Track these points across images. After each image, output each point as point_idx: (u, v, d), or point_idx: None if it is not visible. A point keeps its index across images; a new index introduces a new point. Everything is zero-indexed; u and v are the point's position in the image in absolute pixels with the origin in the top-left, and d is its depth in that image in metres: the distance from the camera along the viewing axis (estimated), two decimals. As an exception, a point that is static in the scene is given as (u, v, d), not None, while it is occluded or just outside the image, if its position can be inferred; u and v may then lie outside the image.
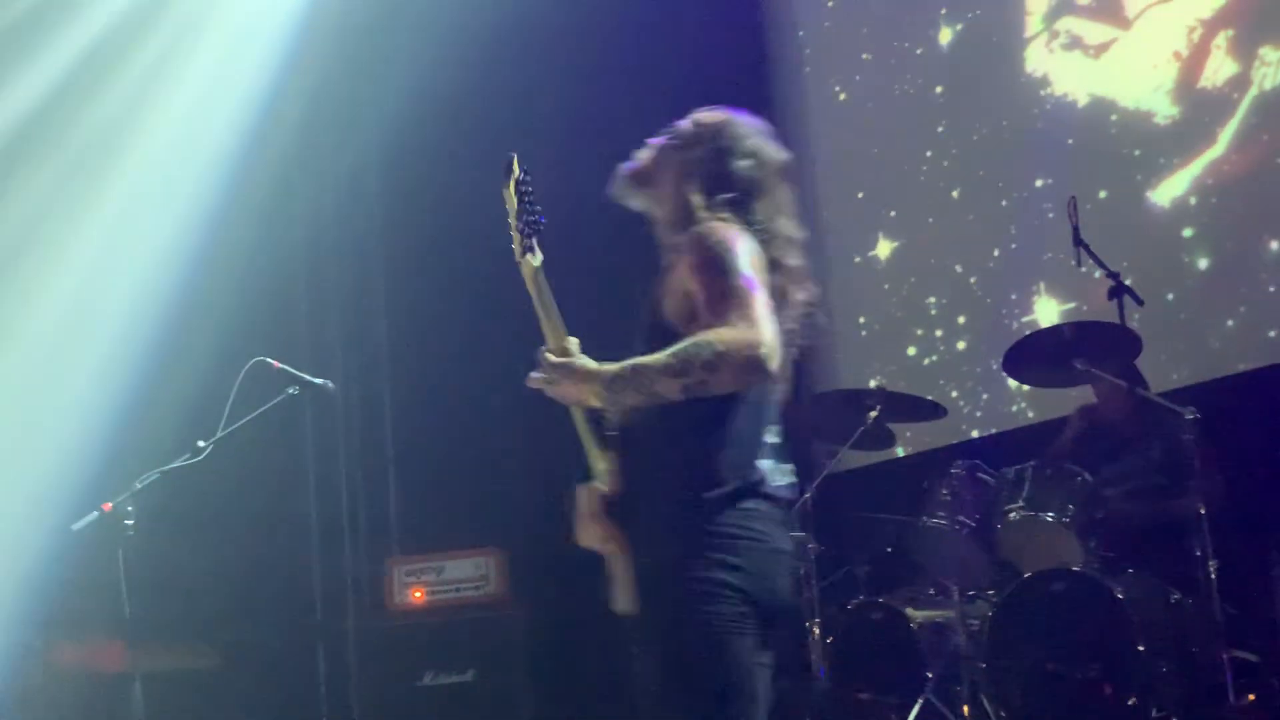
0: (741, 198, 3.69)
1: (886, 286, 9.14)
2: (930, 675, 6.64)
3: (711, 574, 3.43)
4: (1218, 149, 7.81)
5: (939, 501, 6.95)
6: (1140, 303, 6.88)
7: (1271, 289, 7.56)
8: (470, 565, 8.31)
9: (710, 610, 3.43)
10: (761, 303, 3.34)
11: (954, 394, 8.59)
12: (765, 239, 3.63)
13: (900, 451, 8.42)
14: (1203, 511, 6.28)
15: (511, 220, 3.73)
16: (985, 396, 8.58)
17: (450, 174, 8.85)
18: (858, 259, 9.27)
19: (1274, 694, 6.28)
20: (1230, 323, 7.68)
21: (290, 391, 5.85)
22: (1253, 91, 7.69)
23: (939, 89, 9.01)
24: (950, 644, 6.71)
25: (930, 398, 7.64)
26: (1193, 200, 7.87)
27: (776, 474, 3.50)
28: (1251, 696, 6.19)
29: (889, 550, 7.31)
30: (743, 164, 3.78)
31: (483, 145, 8.72)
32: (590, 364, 3.61)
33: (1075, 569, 6.44)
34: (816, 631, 7.02)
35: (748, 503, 3.43)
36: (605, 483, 3.64)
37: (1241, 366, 7.56)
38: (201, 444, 5.61)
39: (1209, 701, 6.16)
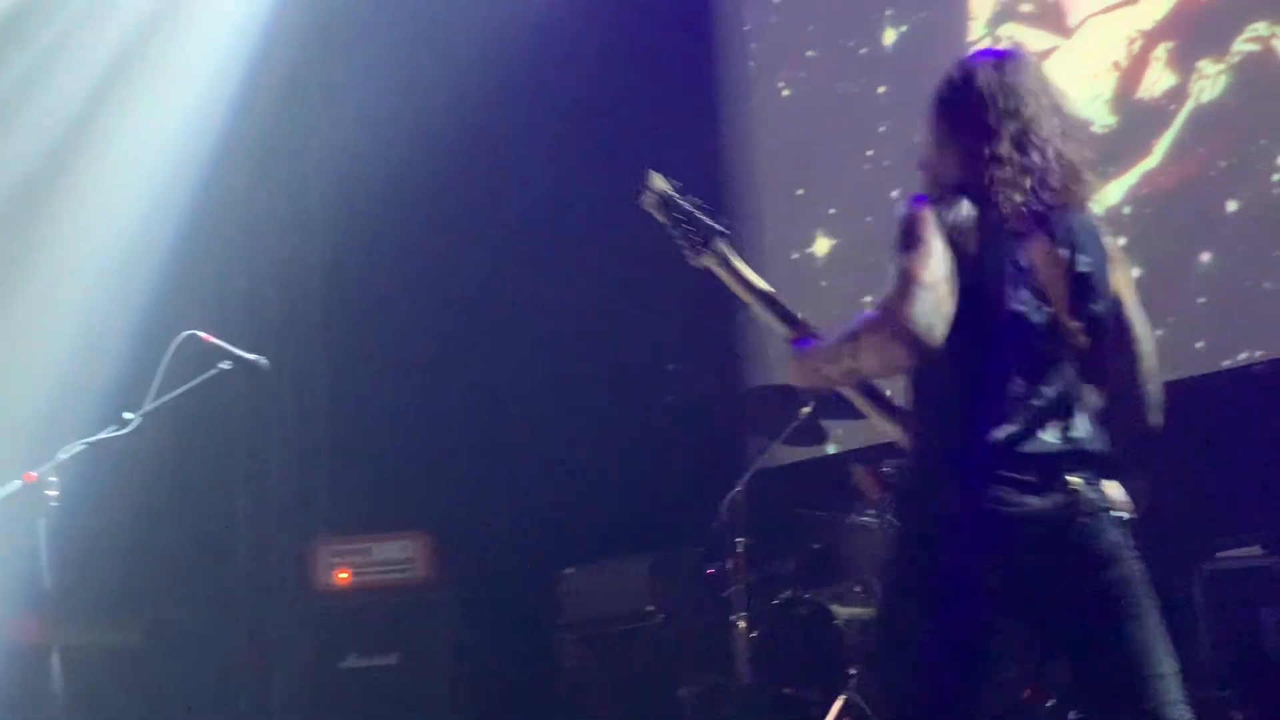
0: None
1: (824, 284, 9.16)
2: (853, 672, 6.66)
3: None
4: (1153, 160, 7.88)
5: (868, 499, 6.98)
6: (1074, 308, 6.91)
7: (1201, 300, 7.64)
8: (397, 547, 8.29)
9: None
10: (911, 274, 3.30)
11: (888, 393, 8.58)
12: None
13: (832, 448, 8.44)
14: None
15: (673, 231, 3.90)
16: (916, 396, 8.60)
17: (392, 154, 8.81)
18: (795, 255, 9.29)
19: (1190, 699, 6.33)
20: (1160, 332, 7.68)
21: (223, 366, 5.79)
22: (1190, 104, 7.76)
23: (882, 89, 9.04)
24: (874, 641, 6.73)
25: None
26: (1127, 210, 7.93)
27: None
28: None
29: (817, 547, 7.33)
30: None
31: (425, 128, 8.72)
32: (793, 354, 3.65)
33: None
34: (742, 626, 7.03)
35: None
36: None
37: (1169, 376, 7.59)
38: (128, 416, 5.54)
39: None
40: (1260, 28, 7.50)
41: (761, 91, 9.63)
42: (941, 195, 3.56)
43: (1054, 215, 3.52)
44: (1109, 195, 7.96)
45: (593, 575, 8.03)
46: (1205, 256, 7.63)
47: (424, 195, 8.91)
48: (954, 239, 3.44)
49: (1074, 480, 3.36)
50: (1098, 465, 3.46)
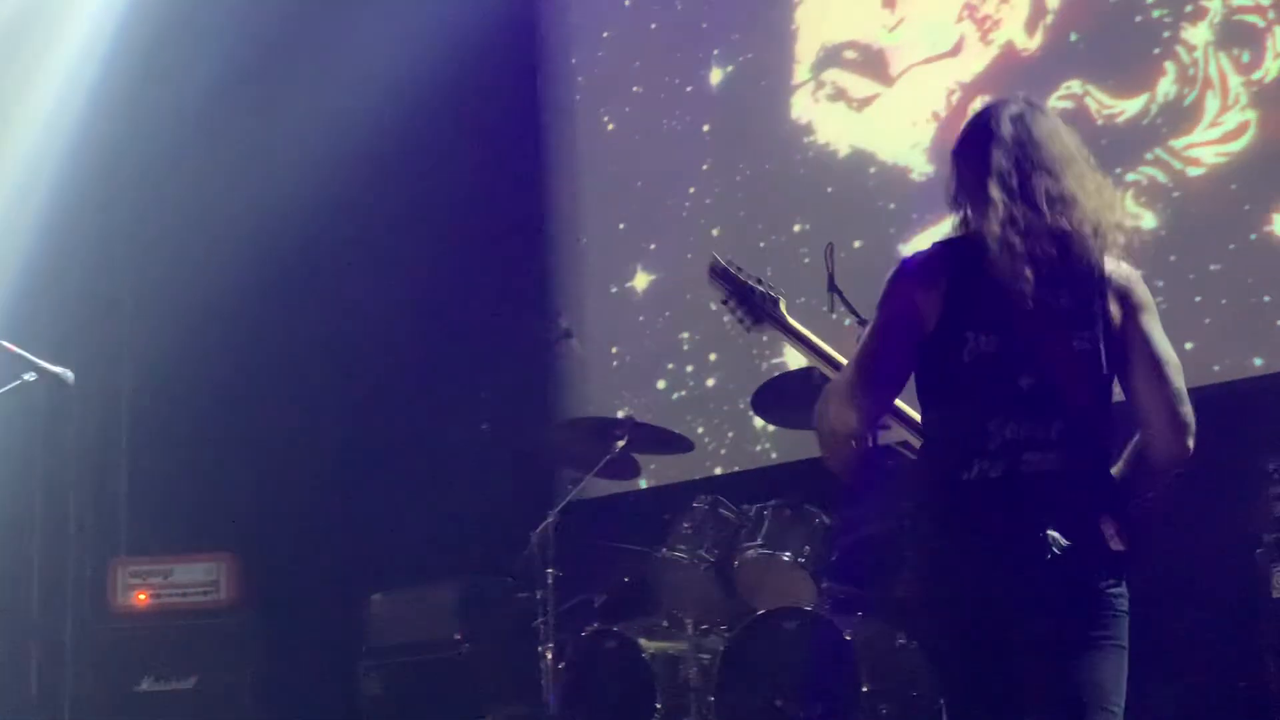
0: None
1: (641, 318, 9.20)
2: (659, 706, 6.67)
3: None
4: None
5: (679, 534, 7.01)
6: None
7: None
8: (201, 570, 8.14)
9: None
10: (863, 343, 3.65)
11: (700, 430, 8.67)
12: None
13: (644, 483, 8.47)
14: (932, 560, 6.44)
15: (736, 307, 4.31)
16: (731, 434, 8.68)
17: (200, 166, 8.69)
18: (614, 289, 9.32)
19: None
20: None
21: (25, 378, 5.64)
22: (1005, 158, 7.92)
23: (706, 127, 9.11)
24: (681, 676, 6.76)
25: (677, 431, 7.71)
26: (942, 258, 8.07)
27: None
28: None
29: (627, 580, 7.33)
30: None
31: (236, 137, 8.60)
32: None
33: (807, 609, 6.54)
34: (549, 657, 7.01)
35: None
36: None
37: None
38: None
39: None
40: (1074, 85, 7.70)
41: (586, 125, 9.66)
42: (953, 241, 3.79)
43: (1050, 251, 3.63)
44: (925, 242, 8.05)
45: (400, 601, 7.95)
46: (1015, 306, 7.79)
47: (235, 218, 8.79)
48: (950, 285, 3.66)
49: (1051, 534, 3.51)
50: (1076, 494, 3.61)
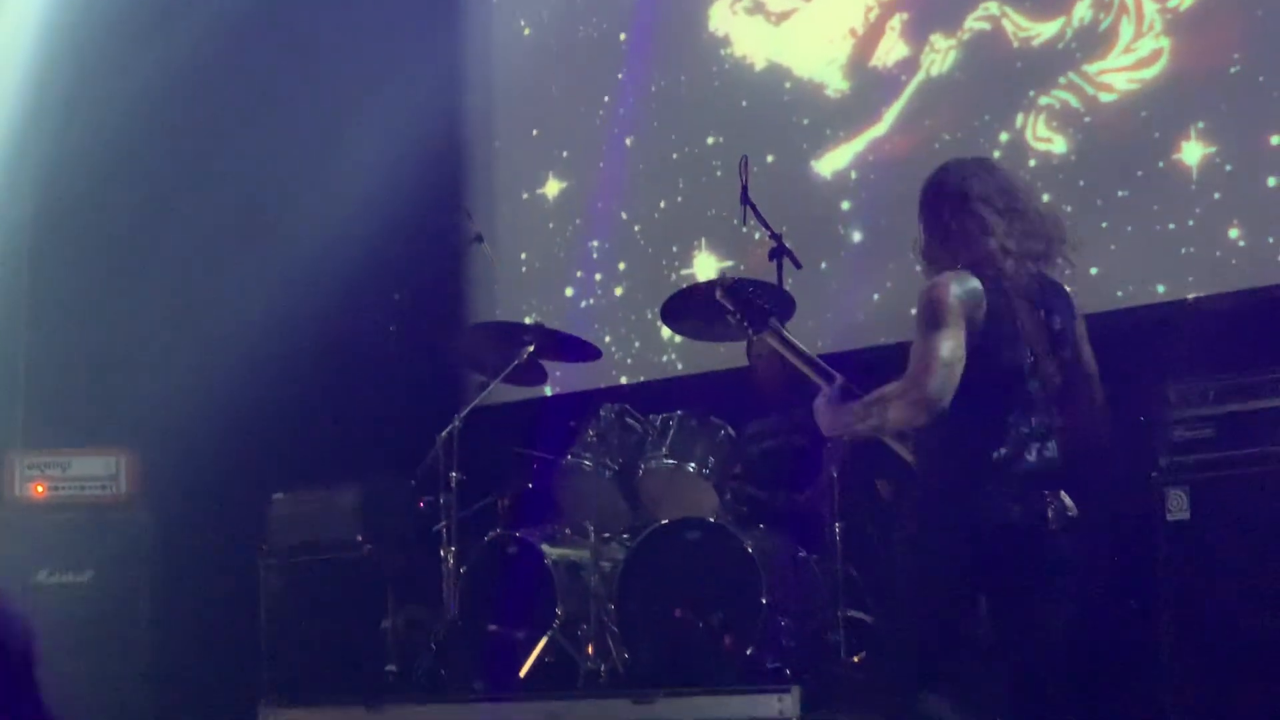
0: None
1: (551, 225, 9.18)
2: (560, 612, 6.71)
3: None
4: (881, 128, 8.07)
5: (585, 442, 7.03)
6: (799, 266, 7.04)
7: (918, 268, 7.79)
8: (99, 463, 8.06)
9: None
10: (934, 354, 4.25)
11: (608, 338, 8.69)
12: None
13: (550, 390, 8.48)
14: (835, 474, 6.52)
15: (739, 314, 4.83)
16: (638, 344, 8.70)
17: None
18: (525, 195, 9.28)
19: (882, 654, 6.54)
20: (876, 296, 7.96)
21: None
22: (920, 76, 7.96)
23: (623, 36, 9.06)
24: (582, 583, 6.79)
25: (585, 339, 7.71)
26: (853, 175, 8.12)
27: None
28: (858, 657, 6.44)
29: (530, 486, 7.35)
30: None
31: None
32: (826, 410, 4.59)
33: (709, 519, 6.59)
34: (451, 561, 7.03)
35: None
36: None
37: (882, 340, 7.84)
38: None
39: (822, 657, 6.40)
40: (991, 7, 7.74)
41: (502, 29, 9.57)
42: (954, 273, 4.38)
43: (1036, 284, 4.46)
44: (838, 159, 8.14)
45: (302, 501, 7.91)
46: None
47: (153, 111, 8.67)
48: (966, 311, 4.31)
49: (1059, 496, 4.39)
50: (1062, 478, 4.43)
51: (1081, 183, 7.43)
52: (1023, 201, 4.51)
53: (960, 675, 4.55)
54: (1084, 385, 4.54)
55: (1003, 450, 4.33)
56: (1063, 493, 4.40)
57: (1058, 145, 7.50)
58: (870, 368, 7.45)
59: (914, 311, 4.39)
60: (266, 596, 7.82)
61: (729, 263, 8.34)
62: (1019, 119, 7.61)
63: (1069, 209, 7.41)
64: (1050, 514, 4.38)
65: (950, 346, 4.26)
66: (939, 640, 4.42)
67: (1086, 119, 7.43)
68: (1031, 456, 4.37)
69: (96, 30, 8.63)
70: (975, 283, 4.34)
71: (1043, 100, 7.54)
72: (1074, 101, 7.46)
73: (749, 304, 4.80)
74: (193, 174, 8.78)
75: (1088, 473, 4.54)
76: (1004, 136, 7.64)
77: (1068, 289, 4.62)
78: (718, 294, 4.78)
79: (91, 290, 8.76)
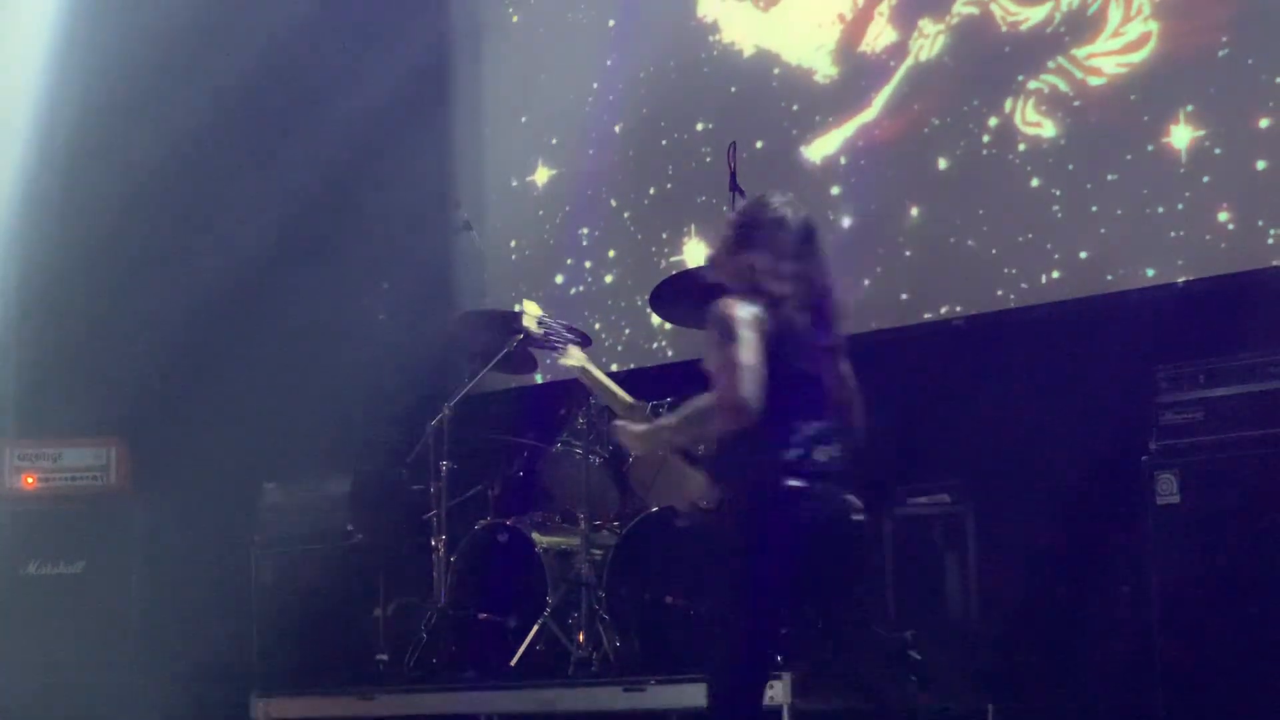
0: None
1: (541, 213, 9.17)
2: (550, 600, 6.71)
3: None
4: (871, 113, 8.06)
5: (575, 430, 7.03)
6: (788, 253, 7.01)
7: (908, 253, 7.86)
8: (90, 454, 8.05)
9: None
10: (740, 361, 4.53)
11: (598, 326, 8.68)
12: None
13: (539, 378, 8.47)
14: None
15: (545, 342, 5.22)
16: (628, 331, 8.70)
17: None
18: (515, 182, 9.27)
19: (874, 639, 6.55)
20: (867, 282, 7.95)
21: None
22: (909, 61, 7.95)
23: (611, 22, 9.05)
24: (573, 571, 6.79)
25: (575, 326, 7.70)
26: (843, 160, 8.11)
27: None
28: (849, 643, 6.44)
29: (521, 474, 7.35)
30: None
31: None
32: (634, 430, 4.97)
33: (700, 506, 6.57)
34: (441, 550, 7.03)
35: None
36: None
37: (873, 325, 7.84)
38: None
39: (813, 643, 6.39)
40: (981, -9, 7.73)
41: (491, 16, 9.56)
42: (743, 292, 4.72)
43: (817, 306, 4.81)
44: (827, 144, 8.13)
45: (293, 491, 7.92)
46: (914, 211, 7.85)
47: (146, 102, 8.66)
48: (756, 325, 4.62)
49: (846, 495, 4.73)
50: (844, 476, 4.76)
51: (1071, 166, 7.42)
52: (807, 237, 4.89)
53: (795, 660, 5.35)
54: (853, 395, 4.94)
55: (796, 452, 4.65)
56: (845, 486, 4.76)
57: (1047, 129, 7.49)
58: (861, 354, 7.53)
59: (708, 333, 4.68)
60: (258, 586, 7.82)
61: (719, 249, 8.32)
62: (1008, 103, 7.60)
63: (1058, 192, 7.44)
64: (848, 503, 4.76)
65: (749, 352, 4.56)
66: (769, 631, 4.76)
67: (1075, 103, 7.43)
68: (821, 457, 4.70)
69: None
70: (757, 307, 4.68)
71: (1031, 84, 7.54)
72: (1063, 86, 7.46)
73: (556, 334, 5.12)
74: (178, 162, 8.75)
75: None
76: (993, 121, 7.64)
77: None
78: (526, 324, 5.11)
79: (81, 280, 8.74)
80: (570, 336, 5.19)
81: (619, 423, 5.01)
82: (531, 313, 5.28)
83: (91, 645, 7.77)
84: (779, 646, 4.95)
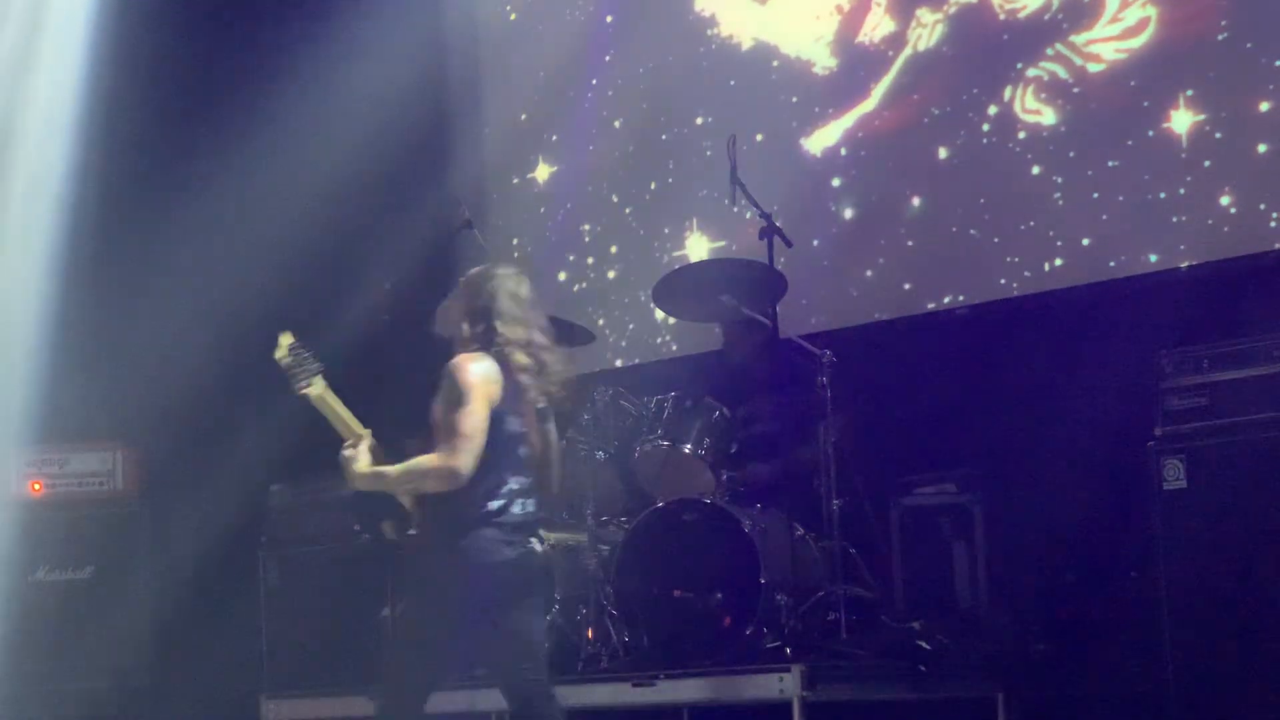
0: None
1: (542, 210, 9.16)
2: (558, 597, 6.71)
3: None
4: (870, 104, 8.05)
5: (579, 426, 7.02)
6: (789, 245, 7.00)
7: (910, 243, 7.85)
8: (96, 459, 8.06)
9: None
10: (464, 431, 5.02)
11: (601, 321, 8.68)
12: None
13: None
14: (830, 452, 6.52)
15: (293, 371, 5.31)
16: (632, 326, 8.70)
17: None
18: (516, 180, 9.27)
19: (882, 630, 6.56)
20: (869, 273, 7.95)
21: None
22: (907, 51, 7.94)
23: (609, 18, 9.03)
24: (580, 567, 6.79)
25: (578, 323, 7.70)
26: (843, 151, 8.10)
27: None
28: (858, 634, 6.45)
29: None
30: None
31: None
32: (361, 468, 5.25)
33: (706, 500, 6.59)
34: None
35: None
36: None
37: (877, 316, 7.84)
38: None
39: (822, 635, 6.40)
40: (977, -21, 7.72)
41: (489, 13, 9.55)
42: (476, 351, 5.17)
43: (537, 369, 5.24)
44: (828, 136, 8.12)
45: (299, 493, 7.92)
46: (915, 201, 7.85)
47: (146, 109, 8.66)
48: (486, 389, 5.08)
49: (534, 541, 5.23)
50: (542, 526, 5.36)
51: (1071, 153, 7.41)
52: (531, 303, 5.34)
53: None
54: (555, 456, 5.40)
55: (498, 503, 5.13)
56: (536, 537, 5.27)
57: (1047, 117, 7.48)
58: (866, 344, 7.54)
59: (441, 388, 5.10)
60: (266, 588, 7.83)
61: (721, 242, 8.34)
62: (1007, 91, 7.59)
63: (1059, 180, 7.43)
64: (535, 550, 5.24)
65: (474, 422, 5.03)
66: (467, 650, 5.29)
67: (1075, 90, 7.41)
68: (518, 510, 5.18)
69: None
70: (491, 363, 5.13)
71: (1031, 72, 7.53)
72: (1062, 72, 7.45)
73: (303, 362, 5.35)
74: (184, 167, 8.75)
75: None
76: (992, 109, 7.63)
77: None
78: (277, 354, 5.36)
79: (87, 285, 8.73)
80: (318, 366, 5.32)
81: (346, 456, 5.29)
82: (284, 343, 5.34)
83: (101, 650, 7.77)
84: (457, 664, 5.45)
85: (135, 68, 8.54)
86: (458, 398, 5.04)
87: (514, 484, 5.17)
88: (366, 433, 5.32)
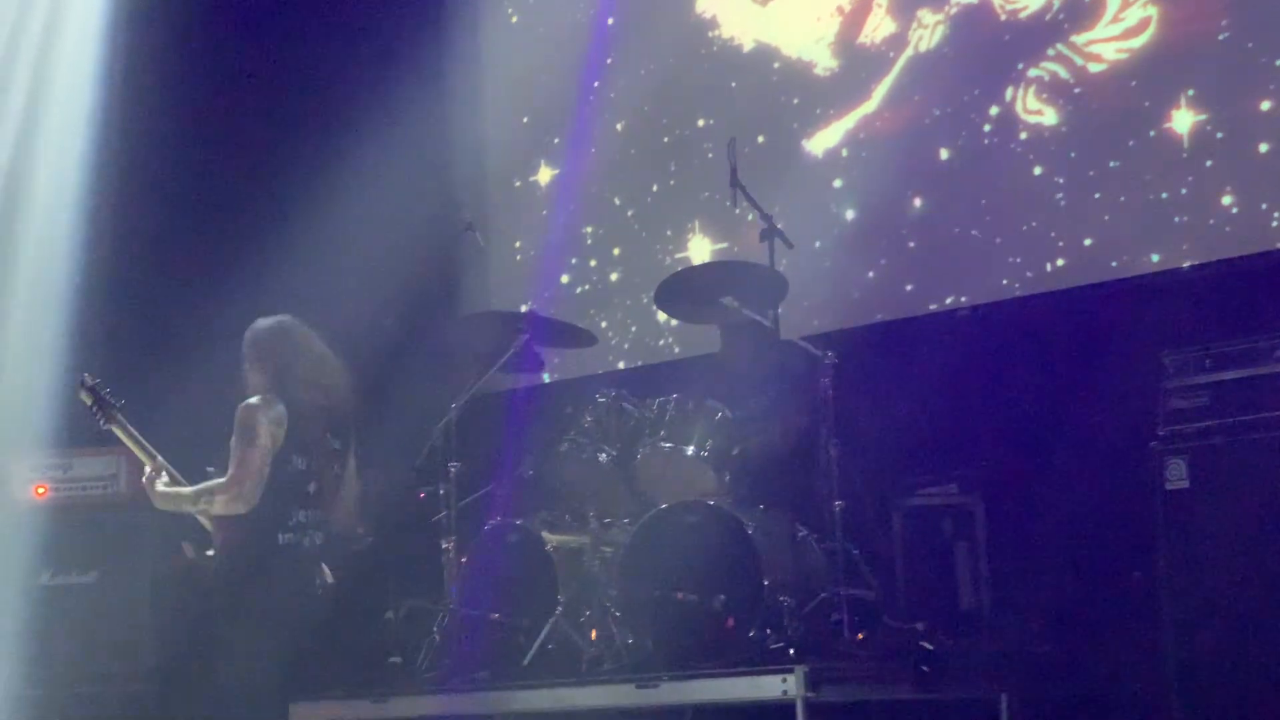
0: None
1: (544, 213, 9.17)
2: (562, 599, 6.71)
3: None
4: (871, 105, 8.06)
5: (582, 428, 7.02)
6: (790, 246, 7.03)
7: (912, 244, 7.86)
8: (100, 464, 8.05)
9: None
10: (245, 463, 5.69)
11: (604, 324, 8.69)
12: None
13: (547, 377, 8.48)
14: (832, 454, 6.52)
15: (94, 408, 5.99)
16: (634, 329, 8.70)
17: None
18: (518, 183, 9.28)
19: (885, 631, 6.56)
20: (871, 274, 7.96)
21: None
22: (908, 52, 7.95)
23: (610, 20, 9.04)
24: (583, 569, 6.79)
25: (580, 326, 7.71)
26: (845, 152, 8.11)
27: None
28: (863, 634, 6.45)
29: (529, 473, 7.34)
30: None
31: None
32: (159, 489, 5.92)
33: (709, 502, 6.59)
34: (452, 551, 7.03)
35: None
36: None
37: (879, 317, 7.84)
38: None
39: (825, 636, 6.40)
40: (979, -19, 7.72)
41: (491, 17, 9.56)
42: (264, 398, 5.76)
43: (324, 414, 5.85)
44: (829, 137, 8.13)
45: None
46: (917, 202, 7.85)
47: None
48: (271, 429, 5.70)
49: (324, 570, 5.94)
50: (321, 554, 5.94)
51: (1073, 154, 7.42)
52: (320, 355, 5.94)
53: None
54: (347, 489, 5.98)
55: (288, 536, 5.76)
56: (324, 566, 5.95)
57: (1048, 117, 7.49)
58: (867, 346, 7.54)
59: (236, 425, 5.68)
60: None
61: (723, 244, 8.35)
62: (1009, 92, 7.60)
63: (1061, 180, 7.44)
64: (319, 582, 5.91)
65: (259, 456, 5.65)
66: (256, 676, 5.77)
67: (1076, 90, 7.42)
68: (307, 542, 5.80)
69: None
70: (281, 407, 5.71)
71: (1032, 72, 7.53)
72: (1063, 73, 7.45)
73: (104, 400, 5.94)
74: (197, 171, 8.74)
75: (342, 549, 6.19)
76: (994, 110, 7.63)
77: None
78: (81, 395, 5.98)
79: (106, 284, 8.72)
80: (118, 403, 6.00)
81: (146, 479, 5.92)
82: (86, 383, 6.01)
83: (106, 655, 7.77)
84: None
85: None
86: (245, 435, 5.70)
87: (301, 517, 5.81)
88: (161, 460, 5.96)
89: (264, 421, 5.70)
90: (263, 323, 6.02)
